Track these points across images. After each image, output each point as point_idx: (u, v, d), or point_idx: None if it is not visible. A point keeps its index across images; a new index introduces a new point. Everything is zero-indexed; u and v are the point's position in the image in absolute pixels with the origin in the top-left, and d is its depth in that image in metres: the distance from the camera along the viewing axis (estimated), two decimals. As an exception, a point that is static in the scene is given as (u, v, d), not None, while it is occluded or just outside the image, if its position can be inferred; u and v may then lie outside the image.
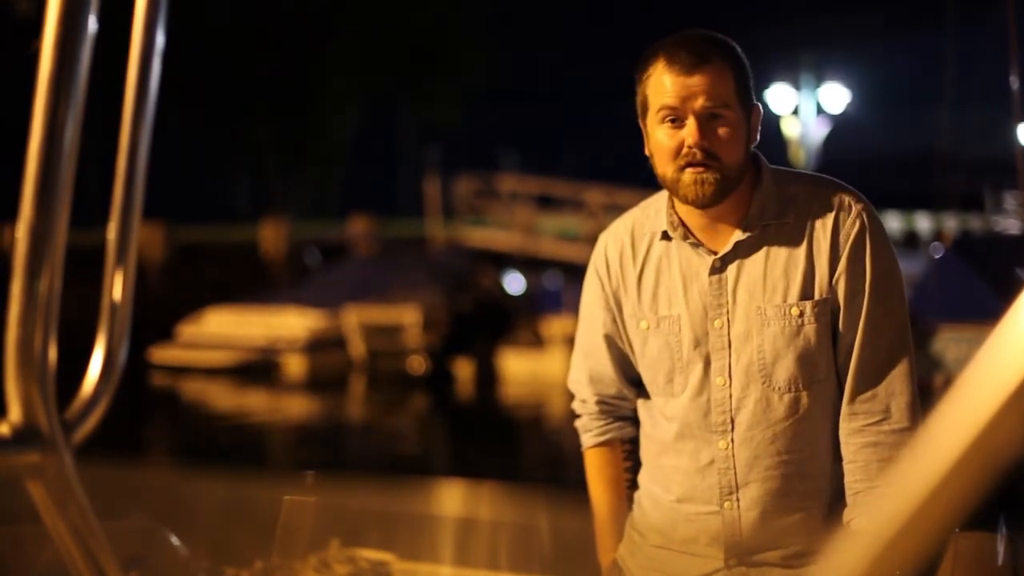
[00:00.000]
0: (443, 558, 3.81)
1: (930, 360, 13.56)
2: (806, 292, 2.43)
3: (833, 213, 2.45)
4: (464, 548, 3.91)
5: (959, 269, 15.29)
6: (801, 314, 2.43)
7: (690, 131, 2.38)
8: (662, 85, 2.40)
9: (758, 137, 2.50)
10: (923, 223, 41.38)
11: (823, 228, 2.45)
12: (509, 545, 3.94)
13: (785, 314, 2.44)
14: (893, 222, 41.63)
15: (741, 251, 2.48)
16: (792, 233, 2.46)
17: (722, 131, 2.39)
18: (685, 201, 2.44)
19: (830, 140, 28.06)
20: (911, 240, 39.21)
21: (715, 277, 2.49)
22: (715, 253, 2.50)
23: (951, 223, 27.55)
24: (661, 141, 2.42)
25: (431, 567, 3.73)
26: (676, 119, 2.40)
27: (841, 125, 28.79)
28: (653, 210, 2.61)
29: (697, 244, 2.51)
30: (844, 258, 2.43)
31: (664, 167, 2.43)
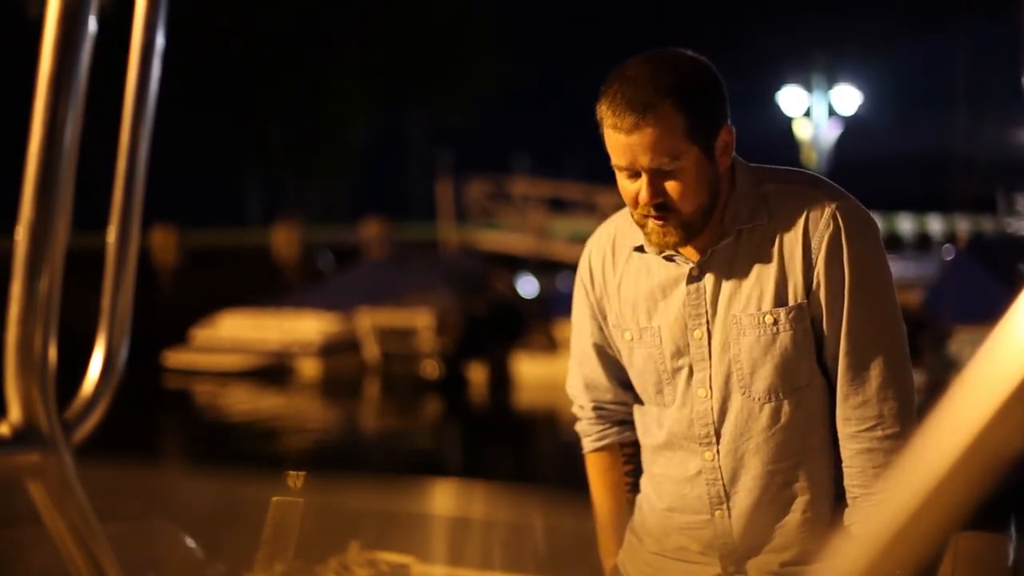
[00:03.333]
0: (462, 560, 3.81)
1: (946, 361, 13.55)
2: (780, 299, 2.37)
3: (805, 213, 2.37)
4: (482, 550, 3.91)
5: (973, 270, 15.28)
6: (775, 322, 2.37)
7: (642, 190, 2.31)
8: (610, 140, 2.31)
9: (728, 159, 2.39)
10: (935, 225, 41.31)
11: (795, 230, 2.37)
12: (526, 547, 3.94)
13: (759, 323, 2.38)
14: (905, 224, 41.59)
15: (717, 259, 2.42)
16: (766, 236, 2.39)
17: (674, 184, 2.30)
18: (650, 244, 2.41)
19: (842, 142, 28.02)
20: (923, 242, 39.17)
21: (693, 286, 2.44)
22: (692, 262, 2.44)
23: (964, 225, 27.50)
24: (622, 186, 2.35)
25: (451, 569, 3.74)
26: (631, 173, 2.31)
27: (853, 127, 28.76)
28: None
29: (672, 257, 2.46)
30: (820, 261, 2.35)
31: (630, 209, 2.38)
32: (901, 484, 0.80)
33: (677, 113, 2.26)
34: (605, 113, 2.30)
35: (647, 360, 2.52)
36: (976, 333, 13.46)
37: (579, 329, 2.70)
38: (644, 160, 2.27)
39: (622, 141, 2.28)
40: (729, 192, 2.42)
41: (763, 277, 2.38)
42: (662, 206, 2.31)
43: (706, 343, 2.44)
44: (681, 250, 2.44)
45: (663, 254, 2.46)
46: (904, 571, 0.83)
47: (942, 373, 13.11)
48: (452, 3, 44.40)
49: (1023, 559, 2.75)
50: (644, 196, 2.30)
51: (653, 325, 2.50)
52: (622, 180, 2.35)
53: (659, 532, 2.60)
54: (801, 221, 2.37)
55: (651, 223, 2.34)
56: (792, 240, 2.37)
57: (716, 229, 2.41)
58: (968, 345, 13.57)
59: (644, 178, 2.30)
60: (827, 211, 2.36)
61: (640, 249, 2.51)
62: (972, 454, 0.77)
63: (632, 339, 2.54)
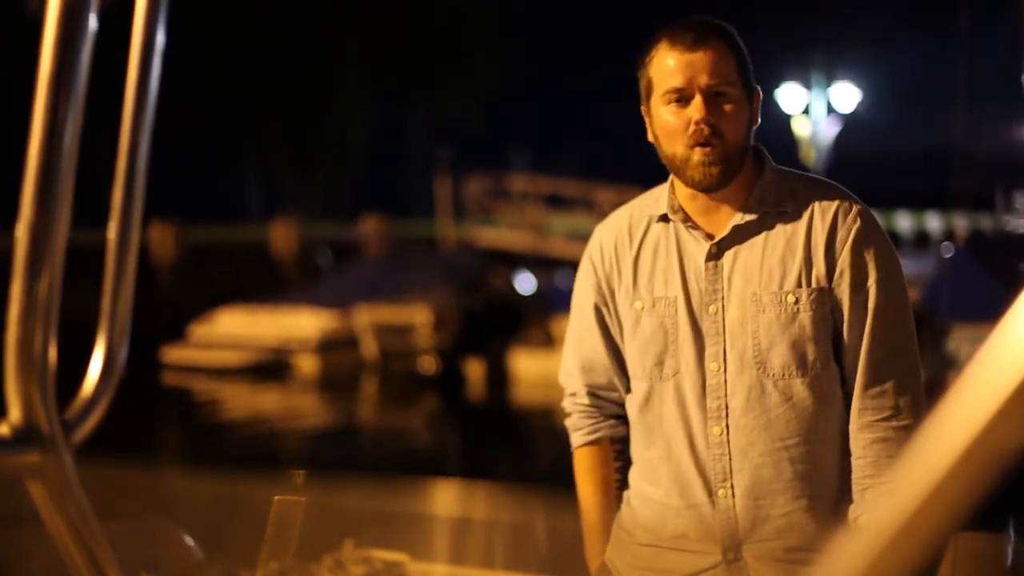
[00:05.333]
0: (456, 558, 3.81)
1: (944, 359, 13.54)
2: (802, 280, 2.45)
3: (832, 208, 2.47)
4: (476, 548, 3.91)
5: (972, 268, 15.26)
6: (796, 301, 2.44)
7: (696, 107, 2.41)
8: (666, 65, 2.43)
9: (759, 120, 2.53)
10: (934, 222, 41.33)
11: (822, 220, 2.47)
12: (521, 545, 3.94)
13: (781, 301, 2.45)
14: (904, 221, 41.60)
15: (739, 237, 2.50)
16: (790, 222, 2.48)
17: (727, 108, 2.42)
18: (691, 183, 2.46)
19: (841, 140, 28.00)
20: (922, 239, 39.20)
21: (711, 263, 2.51)
22: (712, 238, 2.51)
23: (962, 223, 27.49)
24: (667, 121, 2.44)
25: (445, 567, 3.74)
26: (681, 99, 2.43)
27: (852, 124, 28.72)
28: (652, 198, 2.63)
29: (695, 228, 2.53)
30: (845, 254, 2.44)
31: (672, 147, 2.45)
32: (903, 482, 0.80)
33: (729, 52, 2.45)
34: (663, 43, 2.46)
35: (656, 328, 2.56)
36: (974, 331, 13.45)
37: (581, 307, 2.73)
38: (703, 79, 2.41)
39: (683, 60, 2.42)
40: (756, 176, 2.52)
41: (787, 259, 2.47)
42: (713, 130, 2.40)
43: (720, 318, 2.50)
44: (703, 224, 2.53)
45: (686, 224, 2.53)
46: (906, 567, 0.83)
47: (940, 371, 13.10)
48: (453, 0, 44.36)
49: (1022, 559, 2.75)
50: (700, 113, 2.40)
51: (669, 295, 2.55)
52: (671, 111, 2.45)
53: (655, 522, 2.60)
54: (828, 213, 2.47)
55: (697, 153, 2.42)
56: (818, 228, 2.47)
57: (739, 207, 2.50)
58: (966, 343, 13.56)
59: (699, 98, 2.41)
60: (854, 209, 2.48)
61: (664, 219, 2.57)
62: (974, 453, 0.77)
63: (643, 308, 2.58)
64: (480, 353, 20.03)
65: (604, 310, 2.68)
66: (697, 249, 2.53)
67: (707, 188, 2.46)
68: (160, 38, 1.31)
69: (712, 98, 2.41)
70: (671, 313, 2.54)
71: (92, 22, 1.15)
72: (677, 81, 2.42)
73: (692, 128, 2.41)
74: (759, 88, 2.53)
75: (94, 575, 1.24)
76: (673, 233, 2.57)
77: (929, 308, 14.43)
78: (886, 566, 0.80)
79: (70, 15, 1.13)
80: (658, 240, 2.59)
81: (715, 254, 2.51)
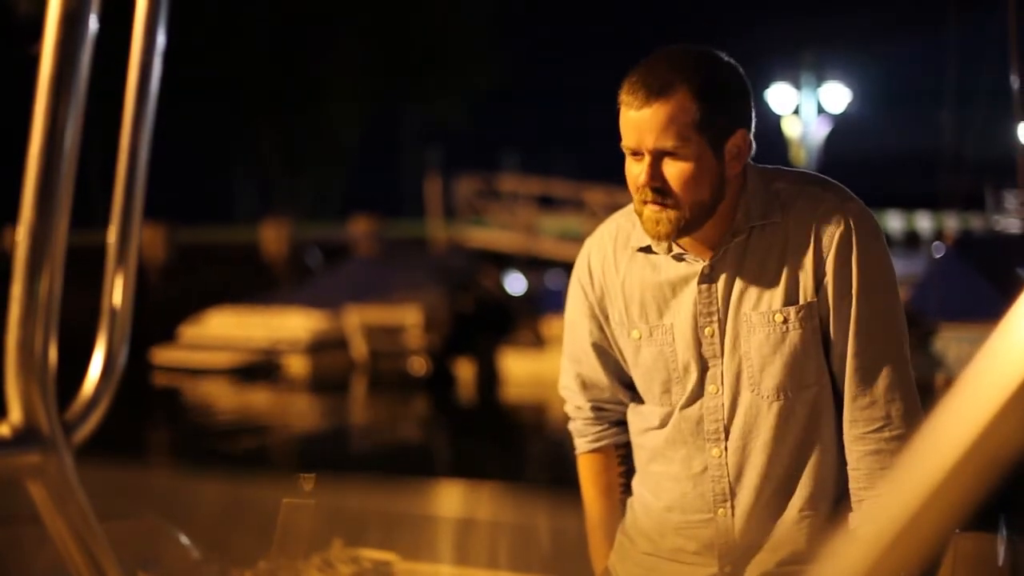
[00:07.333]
0: (445, 558, 3.81)
1: (931, 359, 13.54)
2: (790, 297, 2.38)
3: (817, 212, 2.38)
4: (465, 548, 3.91)
5: (961, 268, 15.27)
6: (785, 320, 2.38)
7: (641, 170, 2.31)
8: (622, 119, 2.33)
9: (739, 165, 2.39)
10: (924, 222, 41.41)
11: (806, 229, 2.38)
12: (509, 545, 3.94)
13: (769, 321, 2.39)
14: (894, 221, 41.66)
15: (730, 257, 2.42)
16: (778, 234, 2.40)
17: (675, 170, 2.30)
18: (649, 237, 2.41)
19: (831, 140, 28.00)
20: (912, 239, 39.25)
21: (705, 285, 2.44)
22: (703, 260, 2.44)
23: (952, 222, 27.51)
24: (629, 170, 2.36)
25: (433, 567, 3.74)
26: (637, 153, 2.33)
27: (842, 125, 28.72)
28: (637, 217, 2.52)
29: (682, 255, 2.46)
30: (830, 260, 2.36)
31: (632, 195, 2.37)
32: (902, 484, 0.80)
33: (689, 102, 2.28)
34: (622, 92, 2.32)
35: (657, 358, 2.51)
36: (962, 331, 13.46)
37: (576, 329, 2.68)
38: (648, 140, 2.29)
39: (632, 119, 2.30)
40: (740, 193, 2.42)
41: (774, 275, 2.40)
42: (659, 191, 2.30)
43: (718, 340, 2.44)
44: (691, 249, 2.45)
45: (672, 253, 2.46)
46: (905, 571, 0.83)
47: (927, 370, 13.11)
48: (445, 2, 44.36)
49: (1022, 560, 2.75)
50: (643, 177, 2.30)
51: (665, 323, 2.49)
52: (629, 164, 2.35)
53: (654, 532, 2.59)
54: (812, 220, 2.38)
55: (647, 209, 2.33)
56: (803, 239, 2.39)
57: (728, 227, 2.42)
58: (954, 342, 13.57)
59: (647, 159, 2.30)
60: (838, 212, 2.38)
61: (647, 250, 2.50)
62: (973, 454, 0.77)
63: (640, 337, 2.53)
64: (470, 354, 20.05)
65: (600, 333, 2.63)
66: (689, 271, 2.46)
67: (662, 240, 2.41)
68: (161, 39, 1.32)
69: (659, 158, 2.30)
70: (668, 341, 2.48)
71: (92, 23, 1.15)
72: (629, 140, 2.32)
73: (639, 188, 2.33)
74: (744, 129, 2.37)
75: (94, 575, 1.24)
76: (661, 258, 2.50)
77: (918, 308, 14.46)
78: (885, 567, 0.80)
79: (70, 16, 1.13)
80: (643, 265, 2.53)
81: (708, 276, 2.44)
